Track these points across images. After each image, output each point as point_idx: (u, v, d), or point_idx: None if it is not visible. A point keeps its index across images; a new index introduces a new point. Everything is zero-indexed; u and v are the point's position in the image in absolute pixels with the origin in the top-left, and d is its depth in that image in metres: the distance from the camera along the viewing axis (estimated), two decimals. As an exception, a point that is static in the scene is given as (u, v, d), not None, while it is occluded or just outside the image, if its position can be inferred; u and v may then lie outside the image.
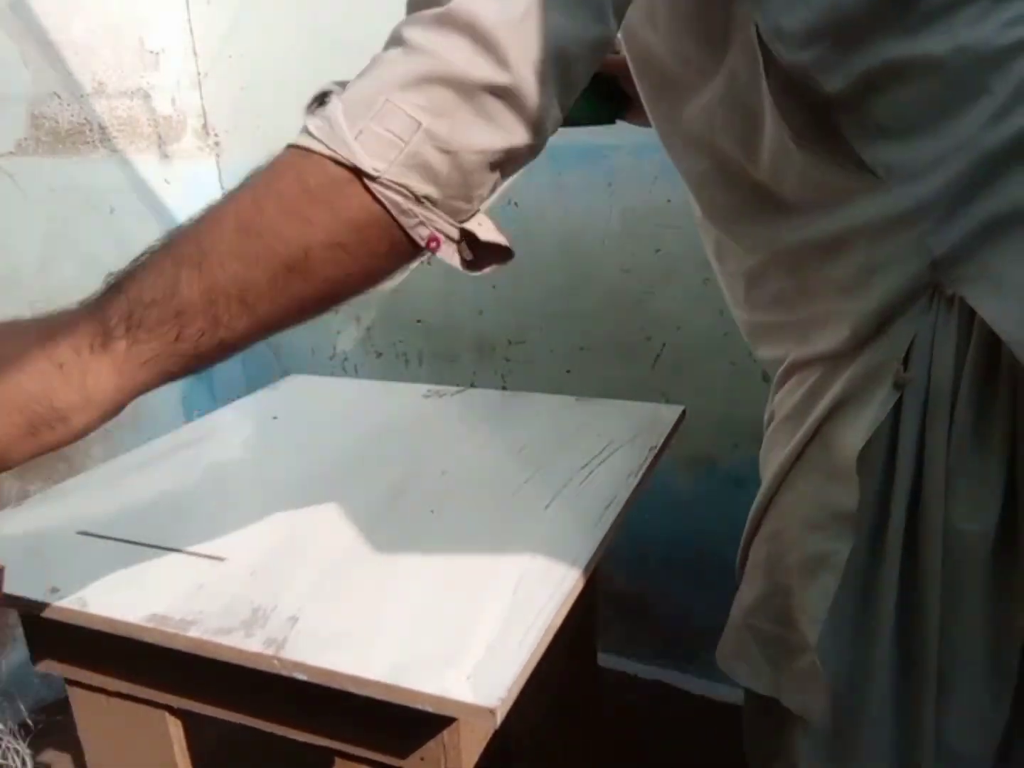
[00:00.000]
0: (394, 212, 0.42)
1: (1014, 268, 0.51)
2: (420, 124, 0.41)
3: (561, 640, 0.59)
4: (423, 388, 1.13)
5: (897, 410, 0.56)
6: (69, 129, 1.32)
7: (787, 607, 0.63)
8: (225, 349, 0.43)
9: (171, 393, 1.55)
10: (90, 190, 1.36)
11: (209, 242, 0.42)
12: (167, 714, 0.71)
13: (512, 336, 1.40)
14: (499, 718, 0.50)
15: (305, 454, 0.91)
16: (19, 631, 0.90)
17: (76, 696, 0.75)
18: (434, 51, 0.41)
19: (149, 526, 0.75)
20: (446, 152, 0.42)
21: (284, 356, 1.65)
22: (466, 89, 0.41)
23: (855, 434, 0.57)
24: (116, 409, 0.43)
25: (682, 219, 1.22)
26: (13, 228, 1.26)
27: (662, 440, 0.90)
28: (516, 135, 0.43)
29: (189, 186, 1.53)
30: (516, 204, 1.33)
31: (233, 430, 1.03)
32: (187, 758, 0.75)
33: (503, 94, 0.42)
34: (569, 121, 0.71)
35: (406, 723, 0.56)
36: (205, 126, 1.55)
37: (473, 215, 0.47)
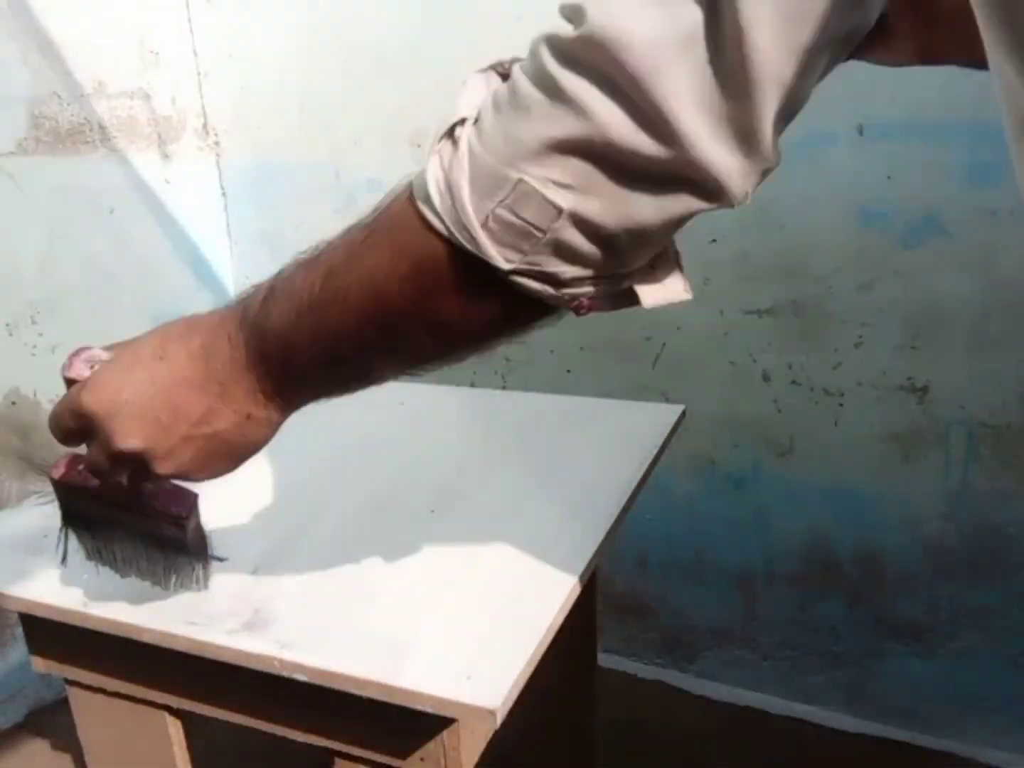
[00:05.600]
0: (537, 296, 0.36)
1: None
2: (562, 210, 0.33)
3: (561, 640, 0.59)
4: (423, 388, 1.13)
5: None
6: (69, 129, 1.32)
7: None
8: None
9: (171, 393, 1.54)
10: (90, 190, 1.36)
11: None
12: (167, 714, 0.71)
13: (512, 336, 1.40)
14: (499, 719, 0.50)
15: (305, 454, 0.91)
16: (19, 631, 0.90)
17: (76, 696, 0.74)
18: (581, 107, 0.31)
19: (149, 526, 0.75)
20: (597, 234, 0.34)
21: (284, 356, 1.65)
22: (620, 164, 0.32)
23: None
24: None
25: (682, 219, 1.22)
26: (13, 228, 1.26)
27: (662, 440, 0.90)
28: (693, 203, 0.34)
29: (189, 186, 1.53)
30: (516, 204, 1.33)
31: (233, 430, 1.02)
32: (187, 758, 0.75)
33: (671, 166, 0.32)
34: None
35: (406, 724, 0.56)
36: (205, 126, 1.55)
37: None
